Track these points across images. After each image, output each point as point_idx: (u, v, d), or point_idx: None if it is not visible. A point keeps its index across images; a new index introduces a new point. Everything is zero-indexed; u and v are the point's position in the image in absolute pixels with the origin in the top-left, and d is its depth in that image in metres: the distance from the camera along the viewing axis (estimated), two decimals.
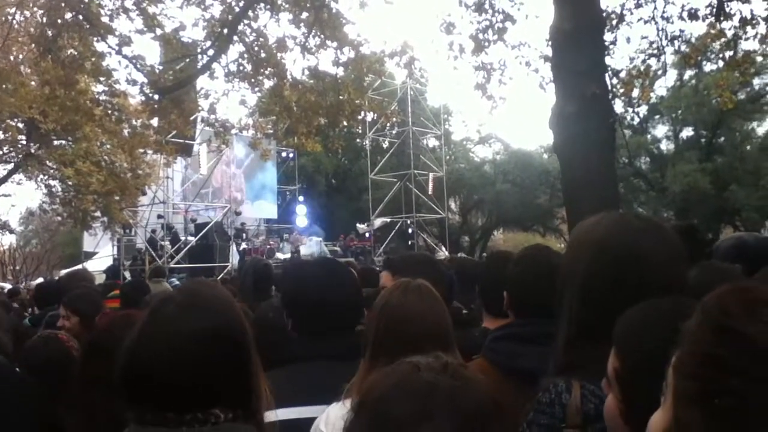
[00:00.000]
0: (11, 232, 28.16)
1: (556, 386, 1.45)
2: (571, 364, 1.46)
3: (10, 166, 21.13)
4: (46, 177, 21.04)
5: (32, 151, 19.79)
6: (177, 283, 9.99)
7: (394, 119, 23.91)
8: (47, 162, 20.06)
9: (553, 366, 1.55)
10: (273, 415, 1.66)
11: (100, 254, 25.05)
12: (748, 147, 32.50)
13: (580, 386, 1.41)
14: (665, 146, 35.60)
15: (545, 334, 1.96)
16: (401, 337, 1.82)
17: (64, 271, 25.58)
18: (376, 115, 23.63)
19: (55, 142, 19.66)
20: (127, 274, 19.85)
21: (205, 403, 1.39)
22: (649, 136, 35.12)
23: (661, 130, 35.65)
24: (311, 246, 25.84)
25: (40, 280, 22.79)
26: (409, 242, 29.20)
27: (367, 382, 1.14)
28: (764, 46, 9.86)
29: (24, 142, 19.91)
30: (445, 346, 1.85)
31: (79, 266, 22.63)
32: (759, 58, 14.38)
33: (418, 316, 1.90)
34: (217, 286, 1.65)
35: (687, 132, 34.48)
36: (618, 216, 1.57)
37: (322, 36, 11.30)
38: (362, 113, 16.06)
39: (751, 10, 9.49)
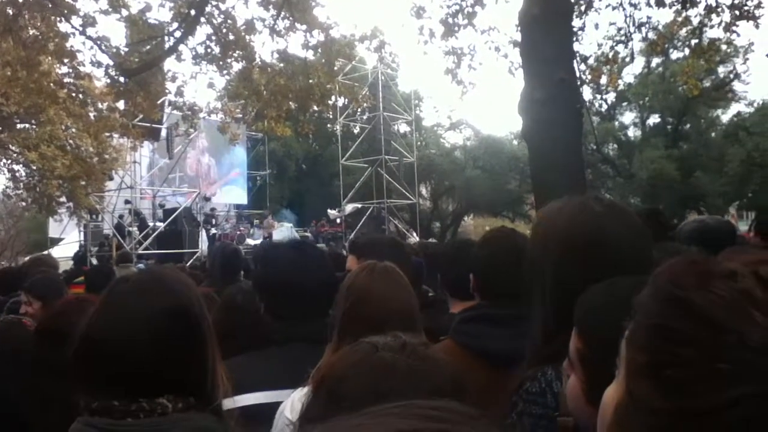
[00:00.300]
0: None
1: (545, 375, 1.44)
2: (557, 353, 1.46)
3: None
4: (9, 161, 20.59)
5: None
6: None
7: (365, 104, 23.84)
8: (10, 146, 19.62)
9: (532, 355, 1.55)
10: (231, 403, 1.64)
11: (66, 240, 24.61)
12: (713, 134, 33.11)
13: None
14: (632, 133, 36.10)
15: (513, 316, 1.98)
16: (367, 318, 1.81)
17: (28, 257, 25.15)
18: (346, 100, 23.56)
19: (19, 126, 19.25)
20: (94, 261, 19.56)
21: (152, 391, 1.36)
22: (616, 123, 35.54)
23: (628, 117, 36.14)
24: (283, 231, 25.74)
25: (3, 265, 22.35)
26: (381, 227, 29.23)
27: (326, 363, 1.14)
28: (728, 34, 9.99)
29: None
30: (411, 327, 1.84)
31: (44, 252, 22.25)
32: (723, 46, 14.59)
33: (384, 297, 1.90)
34: (174, 269, 1.63)
35: (654, 119, 34.99)
36: (579, 202, 1.56)
37: (291, 18, 11.20)
38: (333, 98, 15.98)
39: None
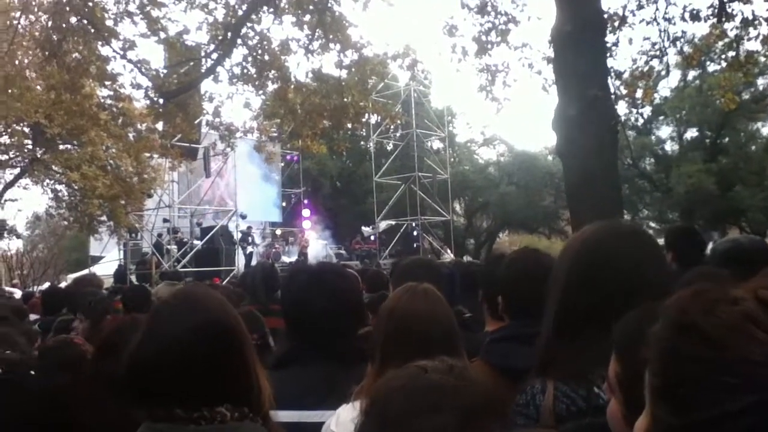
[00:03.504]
0: (18, 236, 28.34)
1: (533, 387, 1.52)
2: (548, 365, 1.52)
3: (17, 170, 21.28)
4: (52, 181, 21.18)
5: (38, 155, 19.91)
6: None
7: (398, 121, 24.02)
8: (53, 166, 20.18)
9: (534, 366, 1.60)
10: (275, 416, 1.70)
11: (107, 258, 25.12)
12: (753, 147, 32.39)
13: (553, 387, 1.46)
14: (669, 147, 35.53)
15: (538, 334, 2.01)
16: (409, 341, 1.85)
17: (71, 276, 25.72)
18: (380, 117, 23.69)
19: (61, 147, 19.79)
20: (134, 278, 19.93)
21: (211, 401, 1.45)
22: (653, 137, 35.02)
23: (665, 131, 35.57)
24: (317, 248, 25.91)
25: (47, 285, 22.88)
26: (414, 245, 29.22)
27: (376, 385, 1.18)
28: (767, 46, 9.85)
29: (30, 147, 20.03)
30: (453, 348, 1.88)
31: (86, 271, 22.74)
32: (762, 59, 14.36)
33: (426, 320, 1.93)
34: (206, 287, 1.73)
35: (691, 133, 34.39)
36: (602, 224, 1.66)
37: (325, 38, 11.36)
38: (366, 115, 16.11)
39: (753, 11, 9.49)
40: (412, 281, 2.14)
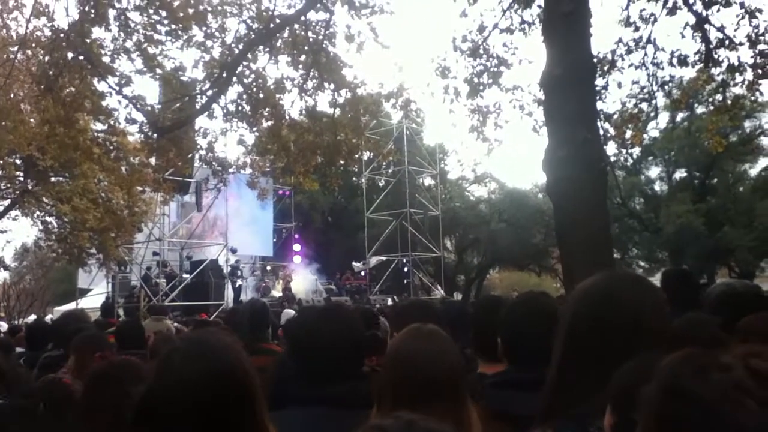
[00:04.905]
0: (5, 268, 28.04)
1: None
2: (549, 411, 1.55)
3: (7, 202, 21.18)
4: (42, 213, 21.07)
5: (29, 187, 19.86)
6: (176, 324, 9.98)
7: (390, 158, 24.16)
8: (44, 198, 20.12)
9: (539, 411, 1.63)
10: None
11: (95, 291, 24.92)
12: (741, 188, 32.79)
13: None
14: (659, 187, 35.90)
15: (540, 380, 2.03)
16: (414, 384, 1.85)
17: (57, 309, 25.47)
18: (372, 154, 23.87)
19: (53, 179, 19.75)
20: (121, 312, 19.76)
21: None
22: (642, 177, 35.39)
23: (654, 171, 35.99)
24: (304, 283, 25.81)
25: (33, 317, 22.65)
26: (405, 281, 29.18)
27: None
28: (751, 92, 10.07)
29: (21, 179, 19.98)
30: (458, 390, 1.90)
31: (73, 304, 22.53)
32: (748, 103, 14.63)
33: (430, 362, 1.91)
34: (220, 333, 1.73)
35: (680, 173, 34.79)
36: (607, 273, 1.72)
37: (320, 78, 11.48)
38: (359, 152, 16.22)
39: (738, 57, 9.75)
40: (411, 323, 2.14)
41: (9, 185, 20.66)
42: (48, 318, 19.30)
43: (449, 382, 1.88)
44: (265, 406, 1.61)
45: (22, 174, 19.83)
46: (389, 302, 20.13)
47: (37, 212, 21.11)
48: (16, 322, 25.32)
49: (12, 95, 13.69)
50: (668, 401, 0.86)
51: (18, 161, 19.17)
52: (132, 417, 1.49)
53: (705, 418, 0.81)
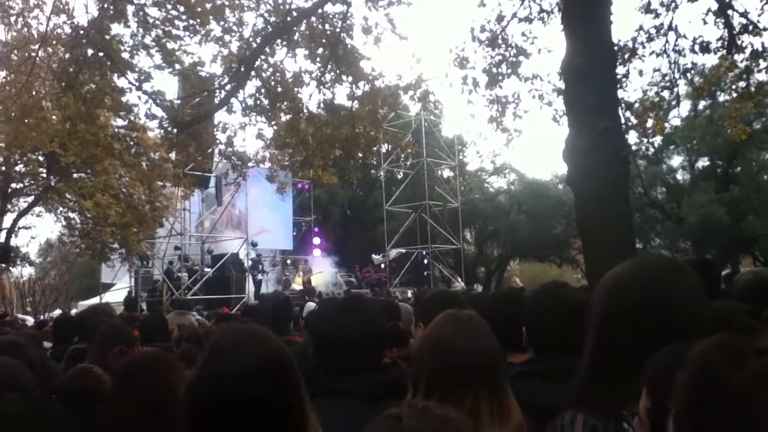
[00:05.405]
0: (30, 264, 28.46)
1: (563, 419, 1.54)
2: (582, 398, 1.53)
3: (31, 198, 21.48)
4: (65, 209, 21.35)
5: (52, 183, 20.12)
6: (198, 317, 10.06)
7: (409, 150, 24.12)
8: (67, 194, 20.37)
9: (570, 399, 1.61)
10: None
11: (118, 286, 25.23)
12: (765, 177, 32.26)
13: (583, 420, 1.47)
14: (681, 176, 35.45)
15: (564, 370, 2.02)
16: (454, 371, 1.84)
17: (82, 303, 25.81)
18: (390, 146, 23.83)
19: (75, 175, 19.98)
20: (144, 306, 19.98)
21: None
22: (664, 166, 34.98)
23: (676, 160, 35.54)
24: (324, 276, 25.91)
25: (58, 312, 22.97)
26: (425, 273, 29.16)
27: None
28: None
29: (44, 175, 20.25)
30: (496, 377, 1.88)
31: (97, 299, 22.83)
32: None
33: (470, 349, 1.89)
34: (256, 324, 1.75)
35: (702, 162, 34.33)
36: (641, 259, 1.69)
37: (338, 71, 11.47)
38: (377, 145, 16.21)
39: (762, 43, 9.56)
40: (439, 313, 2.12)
41: (32, 182, 20.94)
42: (72, 312, 19.58)
43: (488, 368, 1.87)
44: (308, 397, 1.61)
45: (45, 171, 20.09)
46: (409, 294, 20.12)
47: (60, 208, 21.39)
48: (41, 317, 25.66)
49: (34, 93, 13.81)
50: (701, 388, 0.84)
51: (41, 158, 19.42)
52: (184, 403, 1.49)
53: (738, 405, 0.80)
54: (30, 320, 14.94)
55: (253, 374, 1.47)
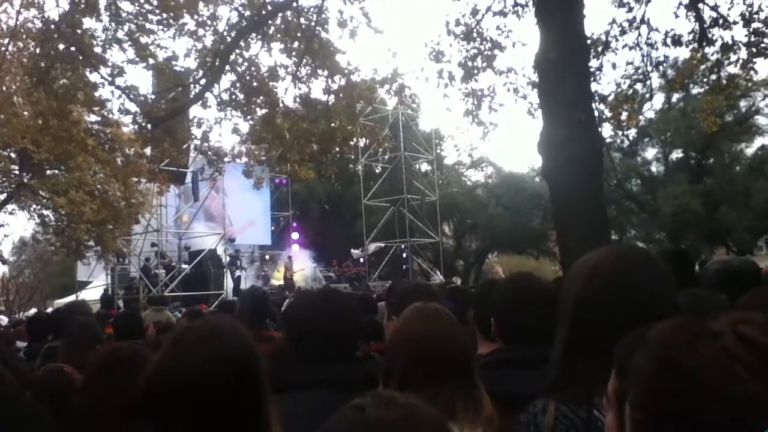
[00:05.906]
0: (4, 262, 28.02)
1: (535, 407, 1.54)
2: (554, 386, 1.54)
3: (3, 196, 21.10)
4: (39, 207, 21.02)
5: (25, 180, 19.79)
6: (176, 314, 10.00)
7: (386, 145, 24.07)
8: (40, 192, 20.05)
9: (543, 388, 1.63)
10: None
11: (94, 283, 24.95)
12: (737, 168, 32.76)
13: (555, 408, 1.48)
14: (656, 168, 35.89)
15: (532, 359, 2.04)
16: (429, 364, 1.85)
17: (57, 302, 25.48)
18: (368, 141, 23.80)
19: (48, 172, 19.67)
20: (121, 303, 19.79)
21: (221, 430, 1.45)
22: (639, 159, 35.38)
23: (650, 152, 35.97)
24: (303, 271, 25.88)
25: (33, 311, 22.69)
26: (404, 267, 29.21)
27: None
28: (745, 71, 10.04)
29: (17, 172, 19.91)
30: (468, 369, 1.90)
31: (73, 297, 22.56)
32: (743, 82, 14.60)
33: (441, 341, 1.91)
34: (230, 319, 1.74)
35: (677, 154, 34.77)
36: (614, 247, 1.68)
37: (313, 65, 11.42)
38: (354, 140, 16.18)
39: (732, 36, 9.71)
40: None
41: (5, 179, 20.58)
42: (48, 311, 19.33)
43: (460, 361, 1.88)
44: (270, 396, 1.60)
45: (17, 167, 19.76)
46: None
47: (34, 206, 21.06)
48: (16, 316, 25.33)
49: (4, 88, 13.61)
50: (658, 369, 0.85)
51: (13, 155, 19.08)
52: (140, 394, 1.48)
53: (694, 387, 0.81)
54: (4, 319, 14.75)
55: (209, 369, 1.46)
